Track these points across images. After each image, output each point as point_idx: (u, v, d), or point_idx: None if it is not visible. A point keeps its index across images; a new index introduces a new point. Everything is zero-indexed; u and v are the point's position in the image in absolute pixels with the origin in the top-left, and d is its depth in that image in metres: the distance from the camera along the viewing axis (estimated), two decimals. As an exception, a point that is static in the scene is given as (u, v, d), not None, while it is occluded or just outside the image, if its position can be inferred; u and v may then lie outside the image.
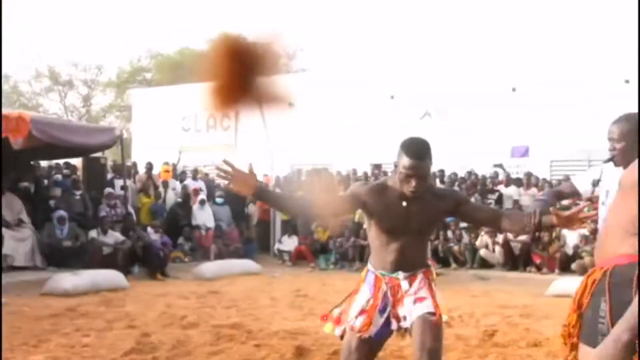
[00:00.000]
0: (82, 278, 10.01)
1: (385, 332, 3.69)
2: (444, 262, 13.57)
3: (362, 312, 3.66)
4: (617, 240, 2.42)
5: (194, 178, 16.38)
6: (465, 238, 13.47)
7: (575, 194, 4.02)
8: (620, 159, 3.52)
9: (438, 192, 3.82)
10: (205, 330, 7.11)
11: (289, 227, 15.02)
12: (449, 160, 16.55)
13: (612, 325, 2.23)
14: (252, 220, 16.32)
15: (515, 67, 17.63)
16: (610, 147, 3.65)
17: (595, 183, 3.93)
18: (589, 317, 2.38)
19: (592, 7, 35.59)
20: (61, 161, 15.57)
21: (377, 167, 16.73)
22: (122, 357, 5.87)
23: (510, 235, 12.41)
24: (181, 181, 16.24)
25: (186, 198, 15.05)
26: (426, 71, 19.03)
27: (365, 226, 3.82)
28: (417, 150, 3.54)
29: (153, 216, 14.21)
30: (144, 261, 12.11)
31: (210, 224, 14.77)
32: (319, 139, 18.65)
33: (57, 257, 11.67)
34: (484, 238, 13.12)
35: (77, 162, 15.54)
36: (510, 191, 14.83)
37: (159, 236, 12.80)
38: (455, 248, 13.59)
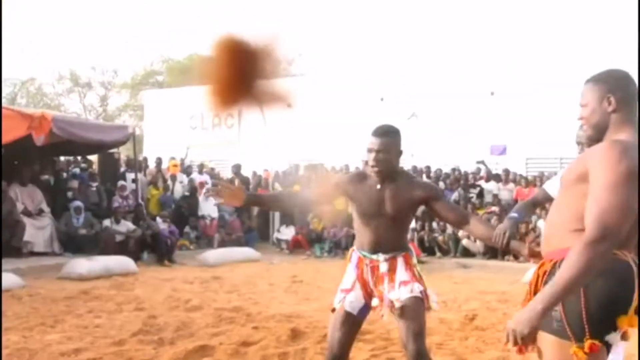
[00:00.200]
0: (96, 263, 9.94)
1: (366, 309, 3.70)
2: (429, 251, 13.50)
3: (347, 291, 3.67)
4: (561, 236, 2.39)
5: (200, 172, 16.29)
6: (449, 229, 13.38)
7: (548, 199, 3.91)
8: None
9: (414, 181, 3.78)
10: (208, 313, 7.04)
11: (287, 218, 14.91)
12: (434, 157, 16.54)
13: (564, 311, 2.25)
14: (253, 211, 16.21)
15: (494, 73, 17.62)
16: (579, 150, 3.61)
17: None
18: None
19: (563, 15, 35.59)
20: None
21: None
22: (130, 337, 5.80)
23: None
24: (188, 175, 16.15)
25: (193, 190, 14.95)
26: (413, 76, 18.94)
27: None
28: (379, 129, 3.61)
29: (162, 207, 14.12)
30: (153, 248, 12.02)
31: (215, 214, 14.67)
32: (315, 137, 18.55)
33: (74, 244, 11.61)
34: (465, 229, 13.03)
35: (93, 156, 15.45)
36: (490, 186, 14.77)
37: (166, 225, 12.69)
38: (440, 238, 13.52)
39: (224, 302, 7.83)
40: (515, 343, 2.24)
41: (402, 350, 3.58)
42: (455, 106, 17.55)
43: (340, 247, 13.82)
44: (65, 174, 14.03)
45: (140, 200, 13.32)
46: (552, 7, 37.94)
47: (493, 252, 12.71)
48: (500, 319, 6.73)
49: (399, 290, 3.55)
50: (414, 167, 15.94)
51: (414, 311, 3.51)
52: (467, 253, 13.16)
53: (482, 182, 15.08)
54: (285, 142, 17.89)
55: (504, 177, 14.89)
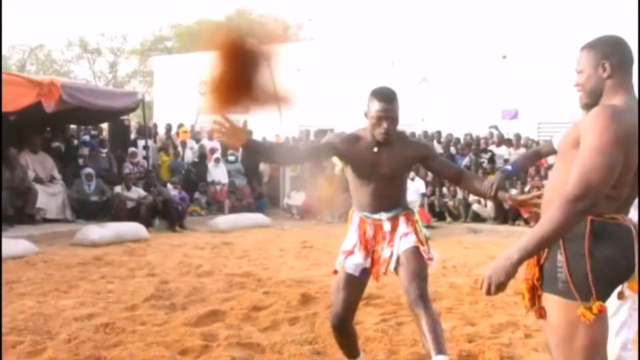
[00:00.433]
0: (108, 230, 10.01)
1: (368, 271, 3.69)
2: (439, 216, 13.51)
3: (348, 252, 3.67)
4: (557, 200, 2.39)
5: (210, 138, 16.26)
6: (460, 194, 13.36)
7: (551, 152, 3.91)
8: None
9: (407, 140, 3.80)
10: (219, 279, 7.10)
11: (298, 183, 14.91)
12: (445, 122, 16.43)
13: (569, 272, 2.29)
14: (264, 177, 16.21)
15: (505, 36, 17.40)
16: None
17: None
18: (549, 268, 2.38)
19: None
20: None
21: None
22: (142, 303, 5.86)
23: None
24: (198, 141, 16.15)
25: (202, 157, 14.95)
26: (423, 40, 18.75)
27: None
28: (386, 95, 3.54)
29: (172, 173, 14.14)
30: (164, 214, 12.06)
31: (224, 180, 14.69)
32: (325, 103, 18.47)
33: (85, 210, 11.66)
34: (476, 193, 13.01)
35: (103, 124, 15.46)
36: (502, 151, 14.69)
37: (177, 191, 12.74)
38: (450, 203, 13.51)
39: (235, 268, 7.89)
40: (489, 290, 2.31)
41: (411, 314, 3.59)
42: (466, 70, 17.41)
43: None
44: (76, 141, 14.08)
45: (150, 167, 13.35)
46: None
47: (504, 217, 12.70)
48: (510, 283, 6.73)
49: (400, 242, 3.56)
50: (425, 132, 15.87)
51: (414, 255, 3.52)
52: (477, 218, 13.17)
53: (493, 147, 15.01)
54: (295, 108, 17.79)
55: (516, 142, 14.80)
